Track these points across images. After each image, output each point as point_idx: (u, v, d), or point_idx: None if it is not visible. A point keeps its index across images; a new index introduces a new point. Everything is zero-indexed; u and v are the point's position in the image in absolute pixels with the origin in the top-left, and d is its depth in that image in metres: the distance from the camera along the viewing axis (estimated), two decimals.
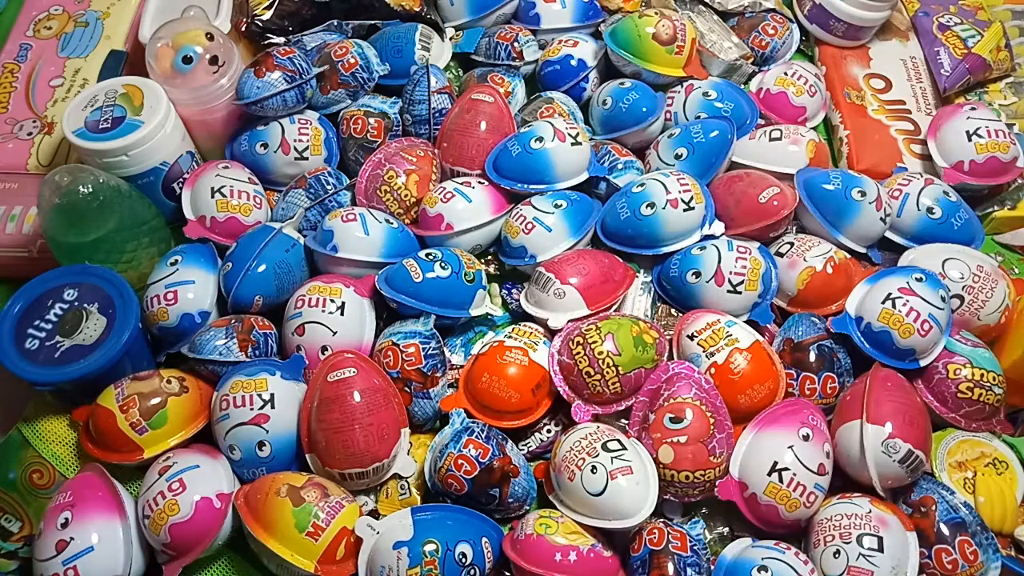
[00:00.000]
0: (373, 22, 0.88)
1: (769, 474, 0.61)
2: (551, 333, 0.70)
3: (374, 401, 0.63)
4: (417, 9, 0.88)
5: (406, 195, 0.76)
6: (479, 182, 0.77)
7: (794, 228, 0.78)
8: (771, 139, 0.80)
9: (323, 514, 0.59)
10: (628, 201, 0.74)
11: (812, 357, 0.67)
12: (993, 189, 0.84)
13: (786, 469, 0.60)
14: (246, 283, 0.69)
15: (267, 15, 0.84)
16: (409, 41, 0.84)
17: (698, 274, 0.71)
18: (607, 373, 0.64)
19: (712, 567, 0.60)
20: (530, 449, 0.68)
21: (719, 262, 0.71)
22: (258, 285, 0.70)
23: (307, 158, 0.79)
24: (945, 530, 0.61)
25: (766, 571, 0.58)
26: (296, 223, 0.75)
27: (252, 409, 0.62)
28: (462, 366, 0.70)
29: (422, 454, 0.66)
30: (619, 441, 0.62)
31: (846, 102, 0.89)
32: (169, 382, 0.65)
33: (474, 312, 0.71)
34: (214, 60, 0.75)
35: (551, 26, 0.90)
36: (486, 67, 0.87)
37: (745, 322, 0.71)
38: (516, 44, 0.86)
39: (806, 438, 0.62)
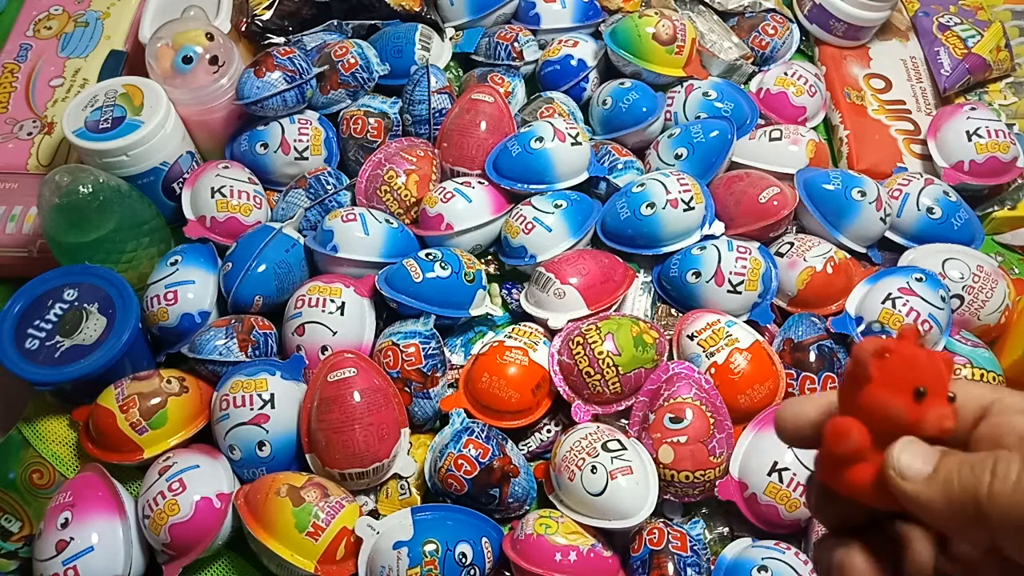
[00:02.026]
0: (373, 22, 0.88)
1: (769, 474, 0.61)
2: (551, 333, 0.70)
3: (374, 401, 0.63)
4: (417, 9, 0.88)
5: (406, 195, 0.76)
6: (479, 182, 0.77)
7: (794, 228, 0.78)
8: (771, 139, 0.80)
9: (323, 514, 0.59)
10: (628, 201, 0.74)
11: (812, 357, 0.67)
12: (993, 189, 0.84)
13: (786, 469, 0.60)
14: (246, 283, 0.69)
15: (267, 15, 0.84)
16: (409, 41, 0.84)
17: (698, 274, 0.71)
18: (607, 373, 0.64)
19: (712, 567, 0.60)
20: (530, 449, 0.68)
21: (719, 262, 0.71)
22: (258, 285, 0.70)
23: (307, 158, 0.79)
24: None
25: (766, 571, 0.58)
26: (296, 223, 0.75)
27: (252, 409, 0.62)
28: (462, 366, 0.70)
29: (422, 454, 0.66)
30: (619, 441, 0.62)
31: (846, 102, 0.89)
32: (169, 382, 0.65)
33: (474, 312, 0.71)
34: (214, 60, 0.75)
35: (551, 26, 0.90)
36: (486, 67, 0.87)
37: (745, 322, 0.71)
38: (516, 44, 0.86)
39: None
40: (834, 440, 0.28)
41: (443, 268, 0.69)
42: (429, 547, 0.57)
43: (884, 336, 0.58)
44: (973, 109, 0.84)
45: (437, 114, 0.80)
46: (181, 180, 0.77)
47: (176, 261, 0.71)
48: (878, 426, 0.27)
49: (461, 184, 0.76)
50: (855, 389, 0.28)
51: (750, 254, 0.71)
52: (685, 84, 0.85)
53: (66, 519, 0.59)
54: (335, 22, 0.88)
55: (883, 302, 0.67)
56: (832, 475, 0.28)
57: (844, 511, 0.30)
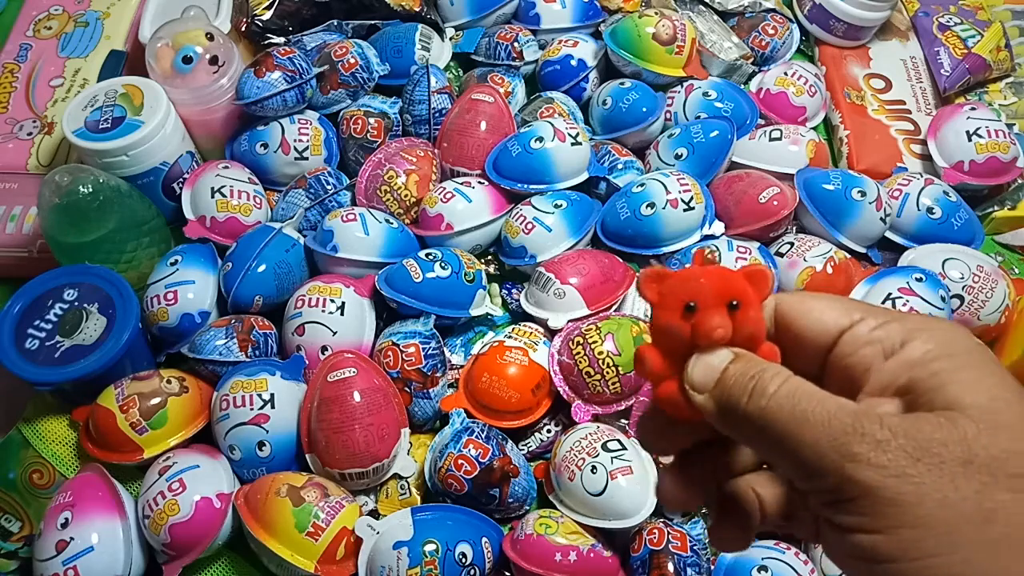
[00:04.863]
0: (373, 22, 0.88)
1: None
2: (551, 333, 0.70)
3: (374, 401, 0.63)
4: (417, 9, 0.88)
5: (406, 195, 0.76)
6: (479, 182, 0.77)
7: (794, 228, 0.78)
8: (771, 139, 0.80)
9: (323, 514, 0.59)
10: (628, 201, 0.74)
11: None
12: (993, 189, 0.84)
13: None
14: (246, 283, 0.69)
15: (267, 15, 0.84)
16: (409, 41, 0.84)
17: None
18: (607, 373, 0.64)
19: (712, 567, 0.60)
20: (530, 449, 0.68)
21: (719, 262, 0.71)
22: (258, 285, 0.70)
23: (307, 158, 0.79)
24: None
25: (766, 571, 0.58)
26: (296, 223, 0.75)
27: (252, 409, 0.62)
28: (462, 366, 0.70)
29: (422, 454, 0.66)
30: (619, 441, 0.62)
31: (846, 102, 0.89)
32: (169, 382, 0.65)
33: (474, 312, 0.71)
34: (214, 60, 0.75)
35: (551, 26, 0.90)
36: (486, 67, 0.87)
37: None
38: (516, 44, 0.86)
39: None
40: (635, 366, 0.30)
41: (443, 268, 0.69)
42: (429, 547, 0.57)
43: None
44: (973, 109, 0.84)
45: (437, 114, 0.80)
46: (181, 180, 0.77)
47: (176, 261, 0.71)
48: (669, 346, 0.29)
49: (461, 184, 0.76)
50: (651, 316, 0.30)
51: (750, 254, 0.71)
52: (685, 84, 0.85)
53: (66, 519, 0.59)
54: (335, 22, 0.88)
55: (883, 302, 0.67)
56: (654, 397, 0.30)
57: (661, 436, 0.32)
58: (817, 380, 0.27)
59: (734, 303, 0.28)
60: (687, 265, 0.27)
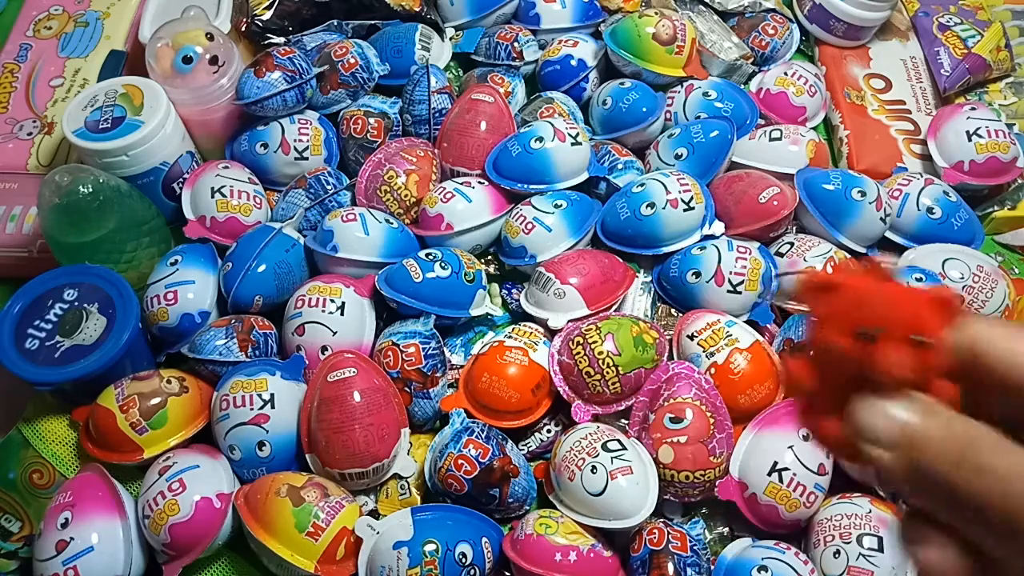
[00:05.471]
0: (373, 22, 0.88)
1: (769, 474, 0.61)
2: (551, 333, 0.70)
3: (374, 401, 0.63)
4: (417, 9, 0.88)
5: (406, 195, 0.76)
6: (479, 182, 0.77)
7: (794, 228, 0.78)
8: (771, 139, 0.80)
9: (323, 514, 0.59)
10: (628, 201, 0.74)
11: None
12: (993, 189, 0.84)
13: (786, 469, 0.60)
14: (246, 283, 0.69)
15: (267, 15, 0.84)
16: (409, 41, 0.84)
17: (698, 274, 0.71)
18: (607, 373, 0.64)
19: (712, 567, 0.60)
20: (530, 449, 0.68)
21: (719, 262, 0.71)
22: (258, 285, 0.70)
23: (307, 158, 0.79)
24: None
25: (766, 571, 0.58)
26: (296, 223, 0.75)
27: (252, 409, 0.62)
28: (462, 366, 0.70)
29: (422, 454, 0.66)
30: (619, 441, 0.62)
31: (846, 102, 0.89)
32: (169, 382, 0.65)
33: (474, 312, 0.71)
34: (214, 60, 0.75)
35: (551, 26, 0.90)
36: (486, 67, 0.87)
37: (745, 322, 0.71)
38: (516, 44, 0.86)
39: (806, 438, 0.62)
40: (784, 383, 0.26)
41: (443, 268, 0.69)
42: (429, 547, 0.57)
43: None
44: (973, 109, 0.84)
45: (437, 114, 0.80)
46: (181, 180, 0.77)
47: (176, 261, 0.71)
48: (829, 368, 0.25)
49: (461, 184, 0.76)
50: (810, 328, 0.26)
51: (750, 254, 0.71)
52: (685, 84, 0.85)
53: (66, 519, 0.59)
54: (335, 22, 0.88)
55: None
56: (809, 425, 0.26)
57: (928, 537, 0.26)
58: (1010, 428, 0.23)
59: (921, 339, 0.23)
60: (856, 273, 0.22)
